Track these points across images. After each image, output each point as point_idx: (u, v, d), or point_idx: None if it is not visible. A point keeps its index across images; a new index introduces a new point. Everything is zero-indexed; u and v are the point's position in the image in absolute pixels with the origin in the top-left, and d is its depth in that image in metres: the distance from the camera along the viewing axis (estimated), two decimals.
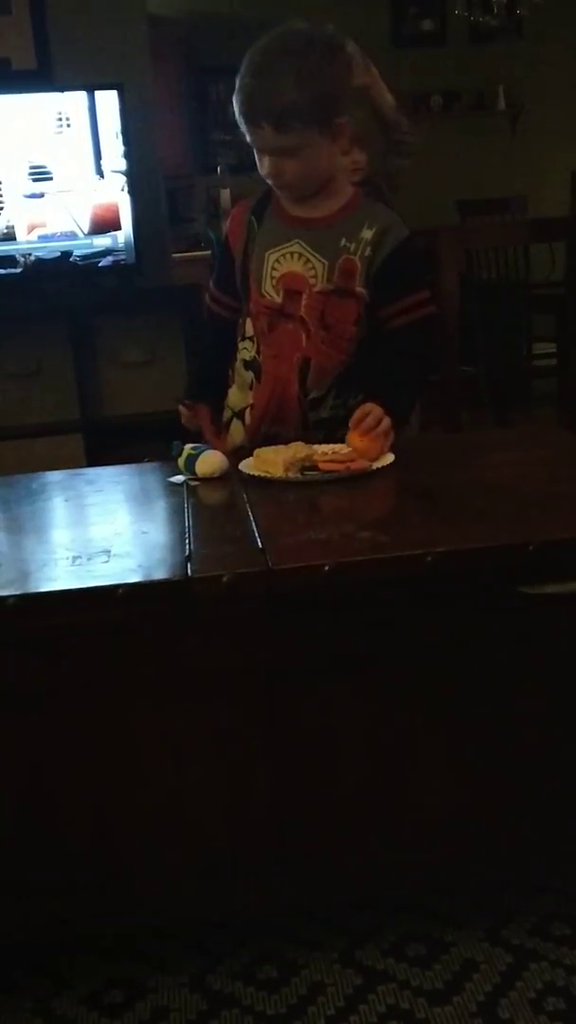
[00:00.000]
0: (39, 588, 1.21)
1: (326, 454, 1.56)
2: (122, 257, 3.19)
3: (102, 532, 1.43)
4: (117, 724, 1.28)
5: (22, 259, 3.14)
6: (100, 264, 3.18)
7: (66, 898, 1.34)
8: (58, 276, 3.15)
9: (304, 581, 1.21)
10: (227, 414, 1.83)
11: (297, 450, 1.55)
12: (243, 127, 1.64)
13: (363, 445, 1.58)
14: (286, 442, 1.67)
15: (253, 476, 1.54)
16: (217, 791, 1.31)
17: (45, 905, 1.33)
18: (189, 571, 1.21)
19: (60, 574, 1.26)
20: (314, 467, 1.53)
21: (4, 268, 3.12)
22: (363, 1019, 1.32)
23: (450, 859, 1.39)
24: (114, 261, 3.19)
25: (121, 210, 3.16)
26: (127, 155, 3.10)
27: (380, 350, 1.73)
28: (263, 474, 1.53)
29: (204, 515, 1.44)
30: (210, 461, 1.58)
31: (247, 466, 1.57)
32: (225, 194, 4.61)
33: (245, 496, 1.48)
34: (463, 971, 1.37)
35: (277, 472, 1.52)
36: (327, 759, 1.32)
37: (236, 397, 1.82)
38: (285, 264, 1.71)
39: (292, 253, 1.71)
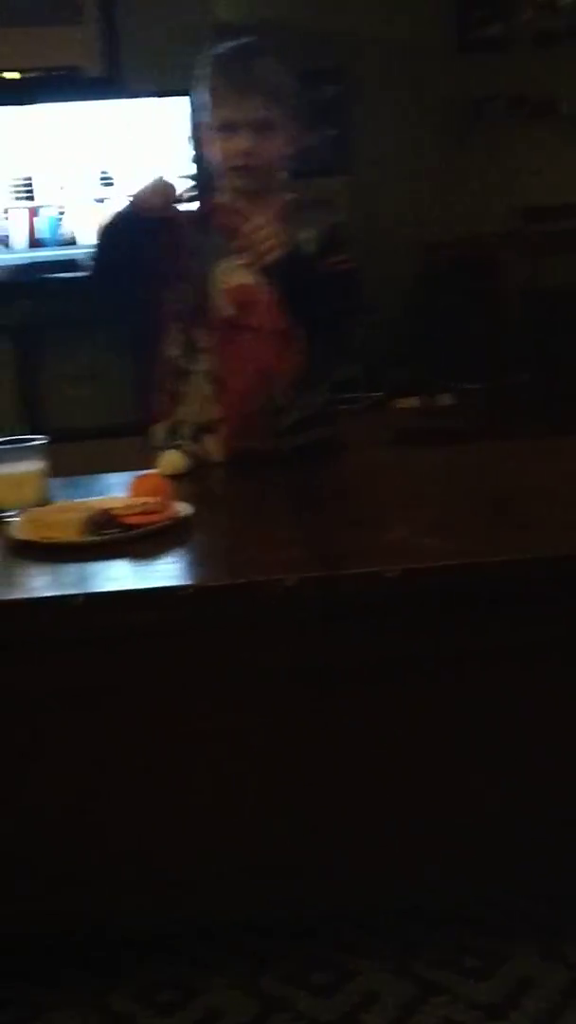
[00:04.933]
0: (105, 588, 1.23)
1: (129, 507, 1.39)
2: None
3: (165, 534, 1.43)
4: (174, 724, 1.28)
5: (86, 263, 3.18)
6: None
7: (118, 895, 1.35)
8: None
9: (368, 587, 1.21)
10: (188, 428, 1.80)
11: (87, 507, 1.40)
12: (218, 100, 1.67)
13: (147, 489, 1.46)
14: (261, 456, 1.69)
15: (34, 543, 1.33)
16: (272, 793, 1.31)
17: (97, 901, 1.35)
18: (252, 575, 1.22)
19: (124, 574, 1.28)
20: (115, 523, 1.35)
21: (67, 272, 3.17)
22: None
23: (505, 868, 1.37)
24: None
25: None
26: (197, 160, 3.13)
27: None
28: (48, 539, 1.33)
29: (262, 519, 1.44)
30: (169, 460, 1.70)
31: (22, 531, 1.37)
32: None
33: (299, 500, 1.49)
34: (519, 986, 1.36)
35: (69, 535, 1.34)
36: (386, 764, 1.31)
37: (195, 412, 1.79)
38: (234, 276, 1.72)
39: (240, 265, 1.71)
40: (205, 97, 1.69)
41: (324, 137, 3.96)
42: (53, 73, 3.23)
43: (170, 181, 1.66)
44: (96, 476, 1.83)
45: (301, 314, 1.68)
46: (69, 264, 3.15)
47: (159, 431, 1.84)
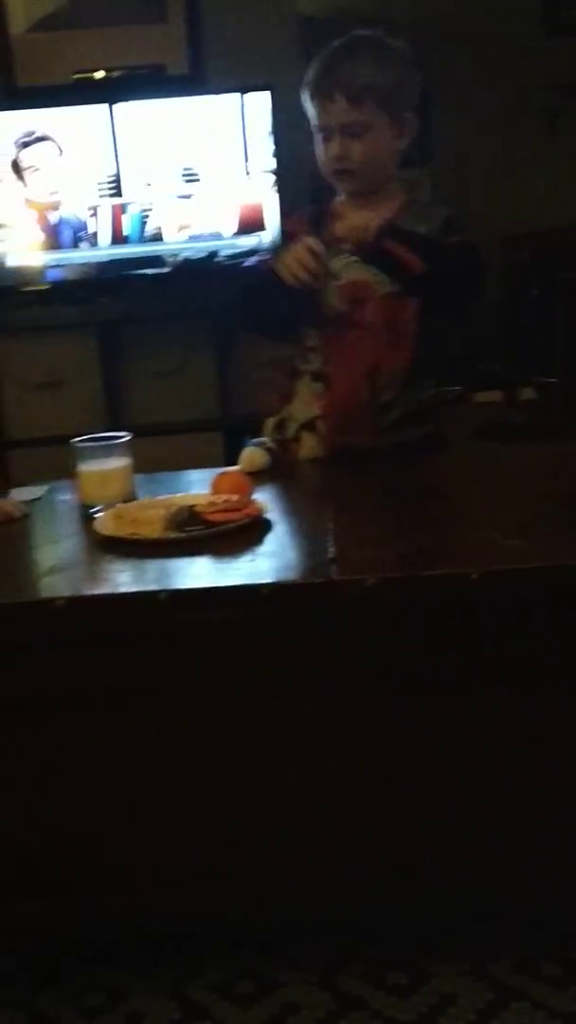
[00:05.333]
0: (187, 585, 1.24)
1: (211, 504, 1.41)
2: (266, 257, 3.22)
3: (246, 531, 1.44)
4: (252, 720, 1.29)
5: (170, 259, 3.22)
6: (245, 264, 3.23)
7: (201, 892, 1.36)
8: (204, 276, 3.21)
9: (449, 589, 1.20)
10: (292, 427, 1.83)
11: (169, 504, 1.42)
12: (312, 105, 1.69)
13: (228, 486, 1.47)
14: (359, 452, 1.71)
15: (118, 538, 1.36)
16: (347, 792, 1.31)
17: (179, 897, 1.36)
18: (332, 574, 1.22)
19: (205, 571, 1.29)
20: (197, 520, 1.38)
21: (153, 268, 3.20)
22: None
23: None
24: (259, 261, 3.22)
25: (266, 210, 3.19)
26: (277, 155, 3.14)
27: None
28: (133, 535, 1.37)
29: (346, 517, 1.44)
30: (248, 458, 1.73)
31: (106, 527, 1.40)
32: None
33: (384, 498, 1.48)
34: None
35: (152, 532, 1.37)
36: (464, 768, 1.30)
37: (301, 410, 1.82)
38: (349, 272, 1.72)
39: (355, 262, 1.72)
40: (307, 101, 1.70)
41: None
42: (138, 72, 3.26)
43: (314, 248, 1.65)
44: (178, 472, 1.85)
45: (422, 286, 1.67)
46: (154, 261, 3.18)
47: (268, 428, 1.86)
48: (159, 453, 3.19)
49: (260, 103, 3.12)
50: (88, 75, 3.26)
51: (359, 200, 1.76)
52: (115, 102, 3.11)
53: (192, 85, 3.23)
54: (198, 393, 3.27)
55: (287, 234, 1.84)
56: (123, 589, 1.24)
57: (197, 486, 1.68)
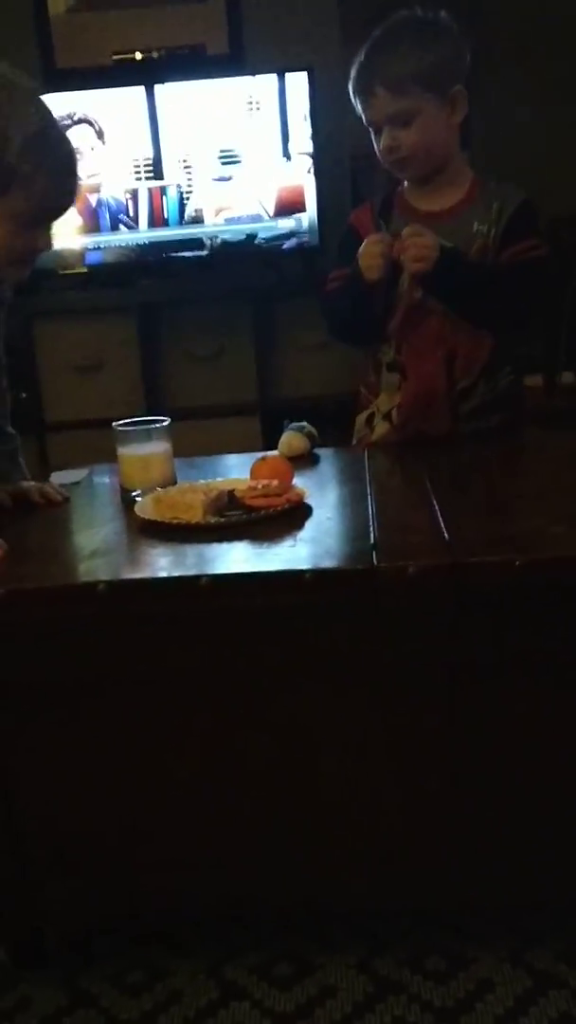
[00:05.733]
0: (229, 569, 1.24)
1: (251, 489, 1.40)
2: (305, 239, 3.21)
3: (286, 517, 1.44)
4: (289, 709, 1.29)
5: (209, 242, 3.21)
6: (284, 246, 3.21)
7: (229, 875, 1.37)
8: (243, 258, 3.20)
9: (493, 577, 1.18)
10: (377, 417, 1.82)
11: (209, 490, 1.42)
12: (358, 104, 1.68)
13: (268, 472, 1.47)
14: (435, 438, 1.71)
15: (158, 522, 1.36)
16: (391, 785, 1.31)
17: (206, 877, 1.37)
18: (374, 560, 1.21)
19: (245, 556, 1.29)
20: (237, 505, 1.38)
21: (192, 251, 3.20)
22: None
23: None
24: (298, 243, 3.21)
25: (306, 192, 3.18)
26: (314, 137, 3.12)
27: None
28: (173, 520, 1.37)
29: (388, 503, 1.43)
30: (288, 442, 1.73)
31: (147, 511, 1.40)
32: None
33: (428, 484, 1.47)
34: None
35: (193, 516, 1.36)
36: (506, 760, 1.29)
37: (385, 401, 1.81)
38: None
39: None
40: (352, 99, 1.68)
41: None
42: (177, 52, 3.25)
43: (383, 239, 1.66)
44: (216, 457, 1.85)
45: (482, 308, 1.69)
46: (194, 243, 3.18)
47: (359, 424, 1.86)
48: (197, 437, 3.21)
49: (299, 84, 3.09)
50: (127, 56, 3.25)
51: (423, 186, 1.74)
52: (154, 83, 3.11)
53: (231, 66, 3.21)
54: (236, 377, 3.26)
55: (351, 228, 1.80)
56: (163, 574, 1.24)
57: (236, 471, 1.68)
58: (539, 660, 1.25)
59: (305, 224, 3.19)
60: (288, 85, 3.11)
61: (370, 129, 1.70)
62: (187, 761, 1.31)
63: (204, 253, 3.20)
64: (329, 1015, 1.32)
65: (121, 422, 1.59)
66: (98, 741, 1.31)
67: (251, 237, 3.20)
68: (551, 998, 1.32)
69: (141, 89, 3.10)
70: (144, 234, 3.19)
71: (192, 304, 3.22)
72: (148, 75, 3.15)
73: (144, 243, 3.19)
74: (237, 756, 1.31)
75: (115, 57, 3.25)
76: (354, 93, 1.68)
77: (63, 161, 1.38)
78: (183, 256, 3.19)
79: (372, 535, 1.28)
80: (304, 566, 1.21)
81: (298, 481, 1.49)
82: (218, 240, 3.20)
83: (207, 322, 3.26)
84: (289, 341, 3.29)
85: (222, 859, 1.36)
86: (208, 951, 1.45)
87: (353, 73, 1.68)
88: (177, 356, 3.29)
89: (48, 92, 3.08)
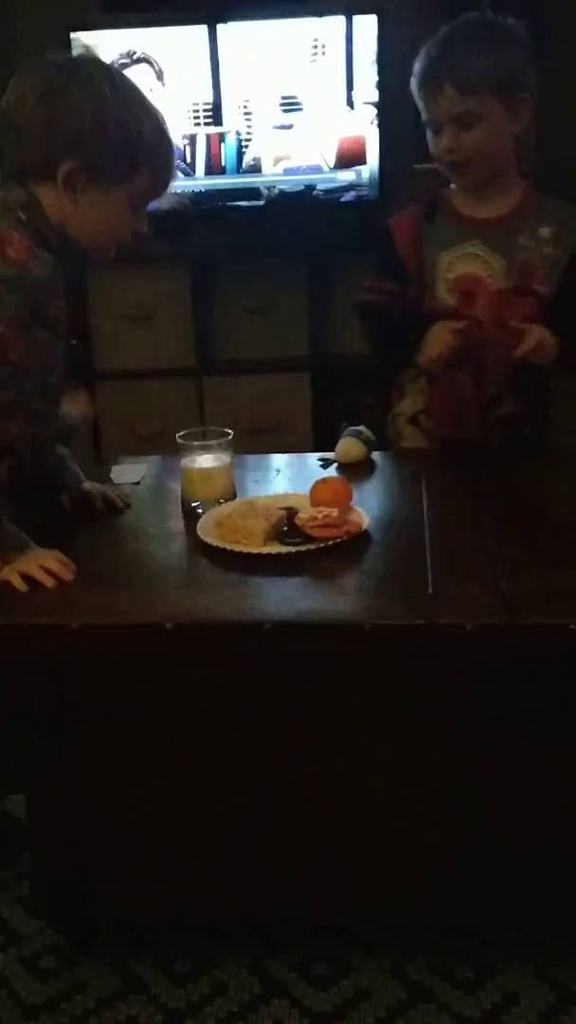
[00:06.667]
0: (291, 612, 1.27)
1: (313, 519, 1.42)
2: (365, 192, 3.13)
3: (345, 547, 1.44)
4: (337, 742, 1.35)
5: (266, 192, 3.14)
6: (343, 199, 3.14)
7: (276, 883, 1.46)
8: (300, 210, 3.13)
9: (549, 639, 1.22)
10: (400, 421, 1.83)
11: (270, 514, 1.43)
12: (421, 97, 1.65)
13: (328, 496, 1.47)
14: (468, 444, 1.73)
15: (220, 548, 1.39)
16: (430, 818, 1.37)
17: (257, 886, 1.46)
18: (434, 615, 1.24)
19: (306, 597, 1.32)
20: (297, 532, 1.41)
21: (248, 200, 3.14)
22: None
23: None
24: (357, 196, 3.13)
25: (368, 144, 3.09)
26: (380, 86, 3.01)
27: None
28: (234, 546, 1.39)
29: (444, 540, 1.44)
30: (345, 449, 1.74)
31: (209, 534, 1.43)
32: None
33: (484, 517, 1.49)
34: None
35: (254, 542, 1.39)
36: (539, 800, 1.35)
37: (410, 404, 1.81)
38: (460, 266, 1.70)
39: (468, 254, 1.69)
40: (416, 94, 1.64)
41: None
42: None
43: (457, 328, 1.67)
44: (272, 457, 1.85)
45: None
46: (251, 193, 3.11)
47: (391, 424, 1.87)
48: (247, 395, 3.23)
49: (368, 28, 2.97)
50: None
51: (474, 191, 1.71)
52: (217, 23, 3.00)
53: (297, 4, 3.08)
54: (288, 331, 3.24)
55: (389, 234, 1.77)
56: (228, 613, 1.28)
57: (292, 475, 1.73)
58: None
59: (365, 177, 3.11)
60: (356, 28, 2.98)
61: (428, 128, 1.66)
62: (238, 779, 1.39)
63: (261, 203, 3.13)
64: (363, 1018, 1.42)
65: (184, 433, 1.61)
66: (155, 756, 1.38)
67: (309, 188, 3.13)
68: (573, 1015, 1.41)
69: (203, 29, 3.00)
70: (200, 181, 3.13)
71: (246, 255, 3.17)
72: (208, 15, 3.03)
73: (200, 191, 3.13)
74: (285, 780, 1.38)
75: None
76: (419, 87, 1.64)
77: (172, 149, 1.43)
78: (239, 205, 3.13)
79: (429, 582, 1.31)
80: (364, 617, 1.25)
81: (355, 496, 1.52)
82: (275, 190, 3.13)
83: (261, 274, 3.22)
84: (343, 296, 3.24)
85: (266, 869, 1.44)
86: (251, 944, 1.55)
87: (419, 66, 1.64)
88: (229, 308, 3.26)
89: (107, 25, 3.03)
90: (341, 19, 2.99)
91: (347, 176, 3.12)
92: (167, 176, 1.42)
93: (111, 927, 1.57)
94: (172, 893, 1.48)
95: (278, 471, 1.80)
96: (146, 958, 1.53)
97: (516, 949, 1.51)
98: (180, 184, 3.12)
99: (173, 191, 3.04)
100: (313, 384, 3.20)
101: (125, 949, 1.55)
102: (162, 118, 1.39)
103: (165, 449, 3.36)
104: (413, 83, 1.65)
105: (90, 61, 1.43)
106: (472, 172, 1.66)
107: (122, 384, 3.24)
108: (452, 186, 1.75)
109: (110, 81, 1.34)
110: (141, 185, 1.38)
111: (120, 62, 3.04)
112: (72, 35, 2.95)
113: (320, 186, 3.13)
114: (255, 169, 3.12)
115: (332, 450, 1.80)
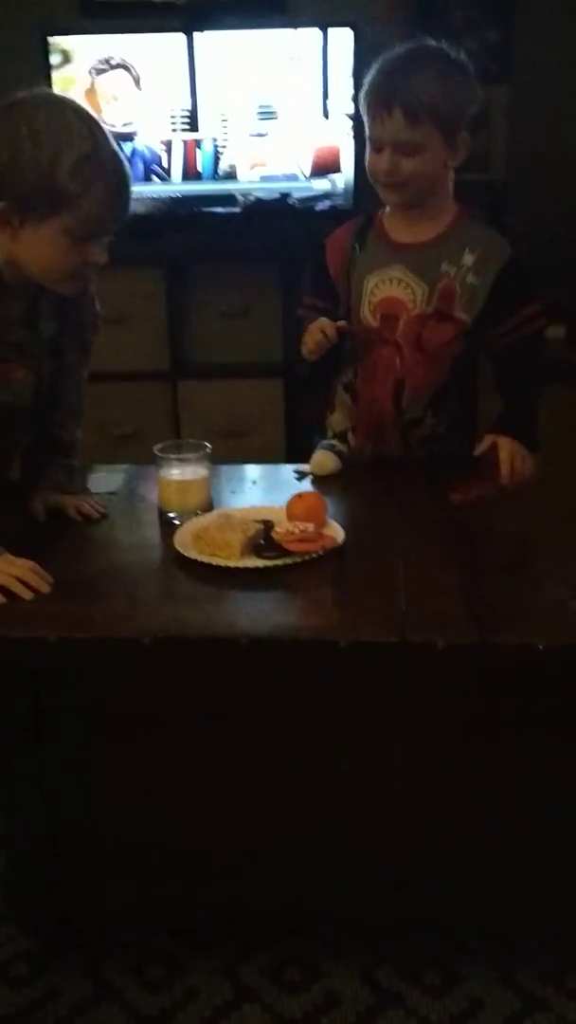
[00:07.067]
0: (267, 626, 1.30)
1: (290, 533, 1.45)
2: (340, 202, 3.16)
3: (321, 562, 1.46)
4: (314, 748, 1.38)
5: (242, 198, 3.16)
6: (317, 208, 3.17)
7: (256, 887, 1.48)
8: (275, 217, 3.16)
9: (517, 658, 1.25)
10: (330, 434, 1.88)
11: (246, 527, 1.46)
12: (368, 115, 1.66)
13: (304, 510, 1.50)
14: (390, 461, 1.78)
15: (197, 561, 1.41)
16: (404, 819, 1.41)
17: (231, 888, 1.48)
18: (406, 632, 1.27)
19: (283, 612, 1.35)
20: (274, 546, 1.44)
21: (224, 207, 3.15)
22: None
23: None
24: (331, 205, 3.16)
25: (342, 154, 3.12)
26: (356, 97, 3.03)
27: (496, 371, 1.76)
28: (211, 559, 1.42)
29: (415, 558, 1.47)
30: (319, 462, 1.78)
31: (187, 547, 1.45)
32: None
33: (456, 533, 1.53)
34: None
35: (231, 555, 1.42)
36: (509, 804, 1.39)
37: (339, 421, 1.86)
38: (384, 289, 1.74)
39: (392, 278, 1.73)
40: (363, 106, 1.66)
41: (483, 41, 3.77)
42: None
43: (327, 330, 1.71)
44: (247, 467, 1.87)
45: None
46: (226, 199, 3.13)
47: (319, 437, 1.91)
48: (221, 399, 3.24)
49: (343, 40, 3.00)
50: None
51: (407, 213, 1.73)
52: (194, 31, 3.01)
53: (274, 16, 3.10)
54: (262, 337, 3.26)
55: (323, 252, 1.80)
56: (205, 628, 1.30)
57: (267, 486, 1.76)
58: (550, 720, 1.33)
59: (340, 186, 3.14)
60: (331, 40, 3.01)
61: (369, 143, 1.68)
62: (213, 787, 1.41)
63: (236, 209, 3.16)
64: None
65: (161, 445, 1.63)
66: (131, 764, 1.41)
67: (284, 196, 3.15)
68: (536, 1020, 1.45)
69: (181, 36, 3.01)
70: (176, 186, 3.14)
71: (221, 260, 3.19)
72: (189, 21, 3.04)
73: (176, 196, 3.15)
74: (260, 788, 1.41)
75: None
76: (368, 104, 1.65)
77: (113, 180, 1.40)
78: (215, 211, 3.15)
79: (402, 598, 1.34)
80: (339, 634, 1.28)
81: (329, 507, 1.55)
82: (251, 197, 3.15)
83: (235, 279, 3.23)
84: None
85: (241, 871, 1.47)
86: (223, 948, 1.57)
87: (372, 82, 1.65)
88: (203, 312, 3.28)
89: (86, 30, 3.03)
90: (317, 31, 3.02)
91: (322, 185, 3.15)
92: (100, 211, 1.38)
93: (84, 933, 1.58)
94: (145, 897, 1.50)
95: (254, 482, 1.83)
96: (118, 964, 1.55)
97: (482, 953, 1.54)
98: (156, 188, 3.14)
99: (147, 195, 3.10)
100: (286, 390, 3.23)
101: (97, 955, 1.56)
102: (98, 153, 1.36)
103: (137, 451, 3.37)
104: (362, 97, 1.66)
105: (26, 100, 1.38)
106: (405, 194, 1.68)
107: (95, 386, 3.22)
108: (387, 208, 1.77)
109: (31, 120, 1.34)
110: (73, 219, 1.36)
111: (98, 67, 3.05)
112: (51, 40, 2.95)
113: (295, 194, 3.15)
114: (231, 176, 3.15)
115: (304, 456, 1.83)
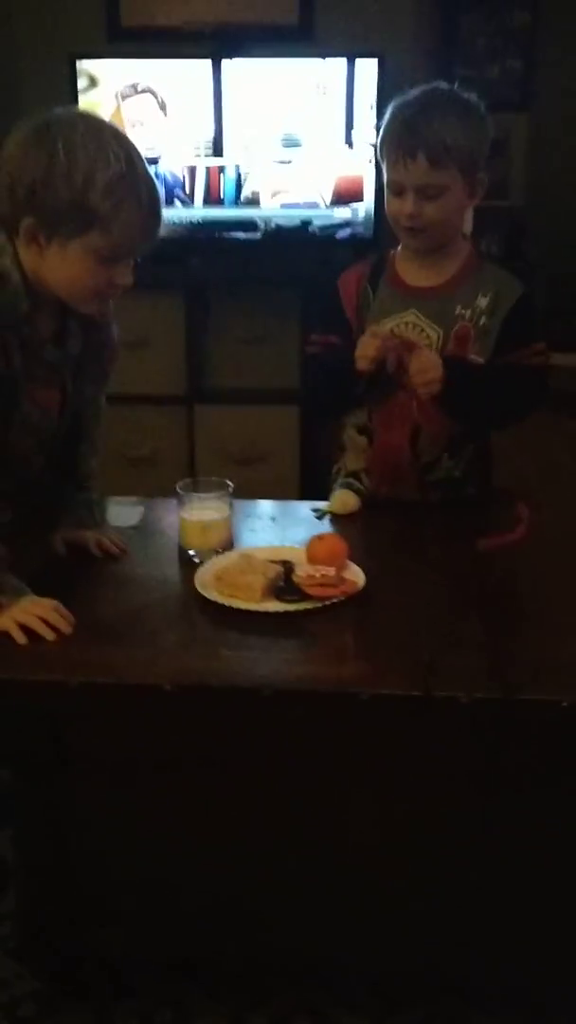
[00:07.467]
0: (288, 682, 1.29)
1: (311, 577, 1.44)
2: (360, 230, 3.16)
3: (342, 607, 1.46)
4: (329, 795, 1.37)
5: (263, 224, 3.17)
6: (338, 236, 3.17)
7: (268, 933, 1.48)
8: (295, 244, 3.16)
9: (541, 714, 1.24)
10: (343, 475, 1.87)
11: (267, 570, 1.46)
12: (388, 160, 1.66)
13: (325, 554, 1.49)
14: (405, 502, 1.77)
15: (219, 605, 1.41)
16: (419, 872, 1.40)
17: (243, 932, 1.48)
18: (429, 685, 1.26)
19: (304, 662, 1.34)
20: (295, 590, 1.43)
21: (246, 232, 3.16)
22: None
23: None
24: (352, 234, 3.17)
25: (365, 183, 3.12)
26: (379, 127, 3.04)
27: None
28: (232, 602, 1.42)
29: (437, 606, 1.46)
30: (341, 500, 1.78)
31: (208, 589, 1.45)
32: None
33: (481, 579, 1.52)
34: None
35: (252, 598, 1.42)
36: (526, 861, 1.38)
37: (351, 461, 1.85)
38: (399, 333, 1.71)
39: (406, 323, 1.72)
40: (381, 152, 1.66)
41: (505, 69, 3.80)
42: (248, 28, 3.14)
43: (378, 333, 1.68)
44: (266, 503, 1.87)
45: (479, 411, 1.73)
46: (248, 225, 3.14)
47: (332, 477, 1.91)
48: (237, 424, 3.25)
49: (369, 71, 3.01)
50: (196, 26, 3.15)
51: (420, 256, 1.73)
52: (222, 58, 3.03)
53: (301, 46, 3.11)
54: (279, 363, 3.26)
55: (337, 292, 1.79)
56: (227, 677, 1.29)
57: (287, 523, 1.76)
58: (572, 776, 1.32)
59: (361, 215, 3.15)
60: (357, 71, 3.02)
61: (388, 188, 1.68)
62: (231, 833, 1.41)
63: (257, 236, 3.16)
64: None
65: (183, 483, 1.63)
66: (146, 807, 1.40)
67: (305, 224, 3.16)
68: None
69: (208, 63, 3.02)
70: (198, 211, 3.15)
71: (242, 286, 3.20)
72: (216, 48, 3.05)
73: (197, 221, 3.15)
74: (276, 835, 1.40)
75: (184, 22, 3.14)
76: (389, 149, 1.65)
77: (144, 202, 1.40)
78: (236, 237, 3.15)
79: (425, 648, 1.33)
80: (361, 685, 1.27)
81: (350, 550, 1.54)
82: (272, 224, 3.15)
83: (254, 306, 3.24)
84: None
85: (255, 918, 1.46)
86: (233, 995, 1.55)
87: (390, 128, 1.65)
88: (221, 337, 3.28)
89: (112, 54, 3.04)
90: (343, 61, 3.03)
91: (343, 214, 3.16)
92: (130, 232, 1.39)
93: (94, 975, 1.57)
94: (157, 941, 1.49)
95: (273, 519, 1.82)
96: (127, 1008, 1.54)
97: (498, 1010, 1.53)
98: (178, 212, 3.15)
99: (169, 220, 3.10)
100: (302, 417, 3.23)
101: (106, 998, 1.55)
102: (133, 175, 1.36)
103: (151, 474, 3.37)
104: (381, 143, 1.66)
105: (63, 117, 1.39)
106: (426, 239, 1.68)
107: (113, 409, 3.23)
108: (399, 247, 1.77)
109: (69, 137, 1.34)
110: (102, 240, 1.37)
111: (124, 92, 3.06)
112: (78, 64, 2.97)
113: (316, 222, 3.15)
114: (253, 202, 3.15)
115: (318, 485, 1.84)
